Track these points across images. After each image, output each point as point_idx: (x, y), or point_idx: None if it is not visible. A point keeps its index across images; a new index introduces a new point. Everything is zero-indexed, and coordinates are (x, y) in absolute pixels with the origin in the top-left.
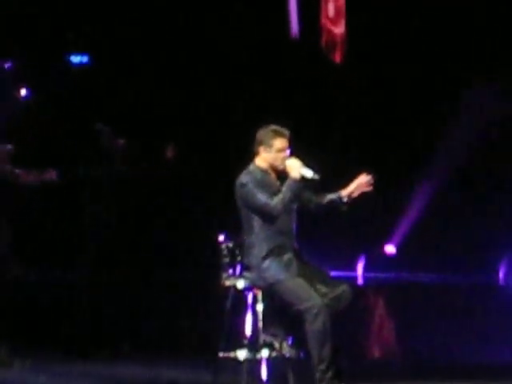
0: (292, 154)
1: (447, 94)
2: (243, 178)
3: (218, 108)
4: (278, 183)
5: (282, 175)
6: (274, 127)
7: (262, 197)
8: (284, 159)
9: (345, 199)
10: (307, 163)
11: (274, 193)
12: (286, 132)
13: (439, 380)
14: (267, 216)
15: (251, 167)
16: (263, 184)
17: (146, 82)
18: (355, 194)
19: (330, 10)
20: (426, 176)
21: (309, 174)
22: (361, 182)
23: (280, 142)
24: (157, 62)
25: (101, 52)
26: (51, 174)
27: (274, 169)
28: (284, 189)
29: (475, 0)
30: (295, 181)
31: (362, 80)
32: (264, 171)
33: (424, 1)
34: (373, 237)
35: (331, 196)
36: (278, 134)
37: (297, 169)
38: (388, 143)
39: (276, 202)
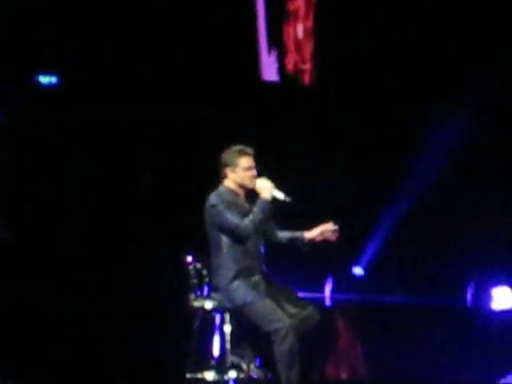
0: (260, 174)
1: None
2: (213, 199)
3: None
4: (247, 205)
5: (253, 195)
6: (237, 147)
7: (233, 218)
8: (252, 177)
9: (306, 241)
10: (279, 185)
11: (245, 214)
12: (250, 150)
13: None
14: (237, 237)
15: (220, 189)
16: (233, 205)
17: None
18: (318, 239)
19: (299, 32)
20: (393, 197)
21: (280, 195)
22: (325, 229)
23: (245, 161)
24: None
25: (71, 73)
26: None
27: (243, 188)
28: (255, 210)
29: (444, 17)
30: (266, 202)
31: (332, 101)
32: (233, 192)
33: (390, 18)
34: (340, 258)
35: (294, 235)
36: (242, 153)
37: (268, 190)
38: (356, 162)
39: (247, 223)
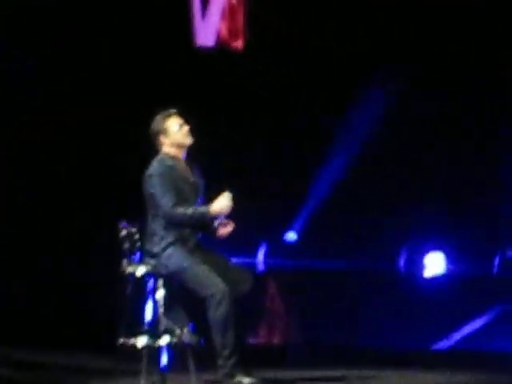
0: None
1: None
2: (152, 167)
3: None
4: (188, 168)
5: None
6: (160, 114)
7: (165, 197)
8: (186, 134)
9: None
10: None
11: (186, 182)
12: (173, 110)
13: (332, 363)
14: (163, 217)
15: (161, 155)
16: (173, 174)
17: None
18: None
19: None
20: (327, 163)
21: (217, 221)
22: (223, 200)
23: (174, 122)
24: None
25: None
26: None
27: (182, 147)
28: (198, 209)
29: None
30: (210, 214)
31: (264, 68)
32: (173, 157)
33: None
34: (274, 223)
35: None
36: (167, 116)
37: (222, 211)
38: (288, 132)
39: (178, 211)
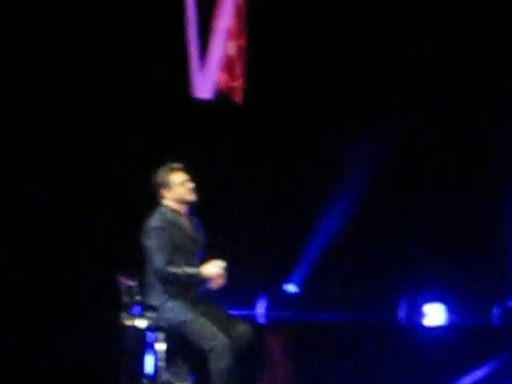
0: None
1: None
2: (153, 221)
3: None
4: (188, 223)
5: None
6: (165, 166)
7: (159, 256)
8: (189, 190)
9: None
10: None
11: (186, 236)
12: (179, 165)
13: None
14: (154, 273)
15: (161, 208)
16: (174, 225)
17: None
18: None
19: (231, 49)
20: (326, 214)
21: (207, 284)
22: (215, 267)
23: (178, 177)
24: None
25: None
26: None
27: (183, 203)
28: (188, 271)
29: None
30: (200, 276)
31: (264, 120)
32: (174, 211)
33: (320, 39)
34: (273, 275)
35: None
36: (172, 170)
37: (211, 274)
38: (287, 184)
39: (169, 271)
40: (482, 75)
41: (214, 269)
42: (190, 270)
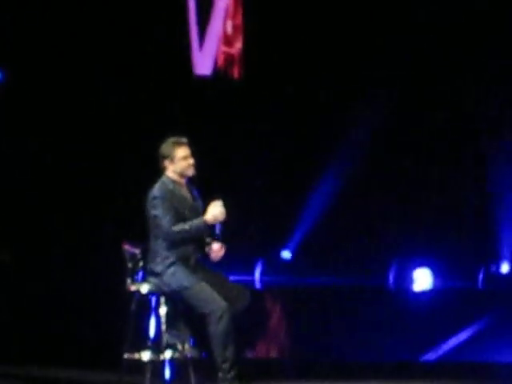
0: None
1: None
2: (155, 190)
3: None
4: (188, 193)
5: (194, 181)
6: (172, 139)
7: (165, 219)
8: (190, 166)
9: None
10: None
11: (185, 204)
12: (184, 140)
13: (326, 376)
14: (163, 236)
15: (163, 179)
16: (173, 197)
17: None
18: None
19: (228, 28)
20: (319, 185)
21: (218, 230)
22: (215, 207)
23: (182, 151)
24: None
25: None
26: None
27: (183, 177)
28: (193, 223)
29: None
30: (205, 225)
31: (261, 95)
32: (175, 182)
33: (314, 19)
34: (269, 242)
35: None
36: (177, 144)
37: (215, 219)
38: (283, 155)
39: (176, 230)
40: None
41: (215, 209)
42: (196, 221)
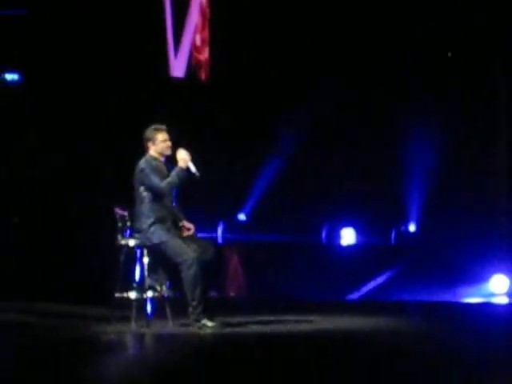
0: (182, 147)
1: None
2: (142, 164)
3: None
4: (165, 169)
5: (171, 161)
6: (154, 126)
7: (155, 180)
8: (167, 147)
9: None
10: (194, 161)
11: (164, 176)
12: (164, 126)
13: (274, 310)
14: (157, 194)
15: (147, 157)
16: (156, 169)
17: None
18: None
19: (197, 40)
20: (268, 160)
21: (193, 168)
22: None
23: (161, 135)
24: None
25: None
26: None
27: (162, 155)
28: (172, 174)
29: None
30: (182, 170)
31: (222, 92)
32: (156, 159)
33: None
34: (229, 206)
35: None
36: (158, 129)
37: (185, 161)
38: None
39: (164, 184)
40: None
41: (180, 154)
42: (173, 172)
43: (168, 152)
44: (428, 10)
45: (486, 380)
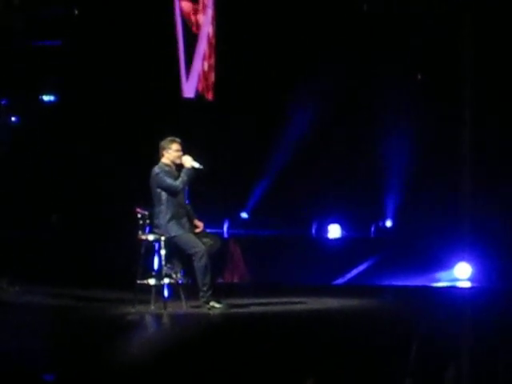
0: (184, 153)
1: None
2: (156, 169)
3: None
4: (177, 173)
5: (181, 168)
6: (170, 137)
7: (169, 180)
8: (179, 156)
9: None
10: (196, 159)
11: (176, 178)
12: (178, 139)
13: (271, 293)
14: (172, 192)
15: (160, 163)
16: (169, 172)
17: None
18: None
19: (205, 66)
20: (266, 165)
21: (196, 165)
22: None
23: (175, 146)
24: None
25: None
26: None
27: (174, 163)
28: (182, 175)
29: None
30: (188, 169)
31: (227, 110)
32: (168, 166)
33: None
34: (232, 206)
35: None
36: (173, 141)
37: (189, 162)
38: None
39: (178, 183)
40: None
41: (186, 159)
42: (183, 173)
43: (178, 161)
44: None
45: (446, 351)
